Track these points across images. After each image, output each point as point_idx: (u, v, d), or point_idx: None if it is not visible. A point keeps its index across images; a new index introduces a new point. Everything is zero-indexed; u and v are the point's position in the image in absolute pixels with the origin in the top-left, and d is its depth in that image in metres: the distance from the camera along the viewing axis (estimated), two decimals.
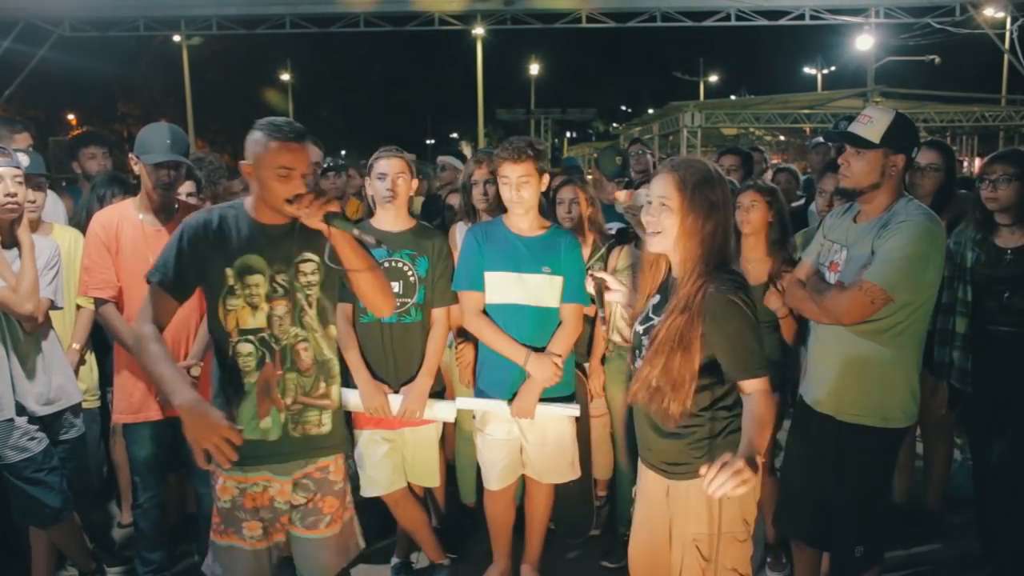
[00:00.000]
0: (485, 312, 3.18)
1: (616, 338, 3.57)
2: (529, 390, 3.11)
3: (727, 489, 1.86)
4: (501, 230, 3.20)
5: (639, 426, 2.44)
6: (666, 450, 2.33)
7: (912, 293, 2.56)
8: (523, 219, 3.17)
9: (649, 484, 2.43)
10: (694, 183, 2.19)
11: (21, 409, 3.00)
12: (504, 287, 3.14)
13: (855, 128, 2.65)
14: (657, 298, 2.37)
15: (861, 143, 2.62)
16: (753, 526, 2.34)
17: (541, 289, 3.13)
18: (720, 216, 2.21)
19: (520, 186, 3.07)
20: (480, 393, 3.27)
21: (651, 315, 2.34)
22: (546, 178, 3.17)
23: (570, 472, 3.31)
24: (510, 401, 3.14)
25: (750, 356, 2.17)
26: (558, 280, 3.14)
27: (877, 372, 2.64)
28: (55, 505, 3.07)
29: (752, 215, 3.38)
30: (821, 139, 5.79)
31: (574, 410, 3.20)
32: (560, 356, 3.12)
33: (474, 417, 3.35)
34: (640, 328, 2.37)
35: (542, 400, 3.13)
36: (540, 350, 3.12)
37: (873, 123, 2.62)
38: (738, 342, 2.16)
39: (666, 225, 2.23)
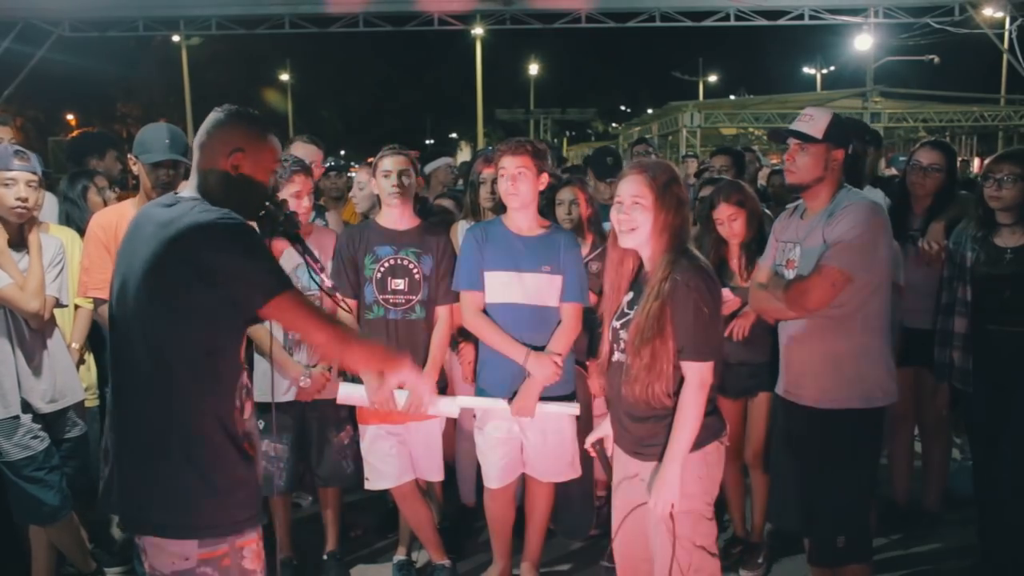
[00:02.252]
0: (485, 312, 3.18)
1: None
2: (529, 389, 3.12)
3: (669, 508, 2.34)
4: (500, 229, 3.20)
5: (614, 414, 2.56)
6: (640, 432, 2.46)
7: (868, 272, 2.66)
8: (521, 216, 3.17)
9: (626, 469, 2.55)
10: (664, 182, 2.38)
11: (26, 406, 3.02)
12: (504, 286, 3.15)
13: (798, 126, 2.80)
14: (631, 294, 2.49)
15: (806, 139, 2.75)
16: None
17: (541, 288, 3.14)
18: (685, 211, 2.42)
19: (516, 178, 3.08)
20: (480, 392, 3.28)
21: (627, 310, 2.47)
22: (544, 178, 3.18)
23: (570, 471, 3.31)
24: (510, 400, 3.14)
25: (692, 335, 2.33)
26: (557, 279, 3.15)
27: (851, 358, 2.73)
28: (53, 504, 3.07)
29: (736, 227, 3.40)
30: None
31: (574, 408, 3.20)
32: (560, 355, 3.13)
33: (474, 416, 3.36)
34: (617, 324, 2.49)
35: (542, 399, 3.14)
36: (540, 349, 3.13)
37: (815, 120, 2.78)
38: (687, 321, 2.32)
39: (640, 222, 2.39)
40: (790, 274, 2.83)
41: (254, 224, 2.04)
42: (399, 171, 3.20)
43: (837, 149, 2.76)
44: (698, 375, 2.35)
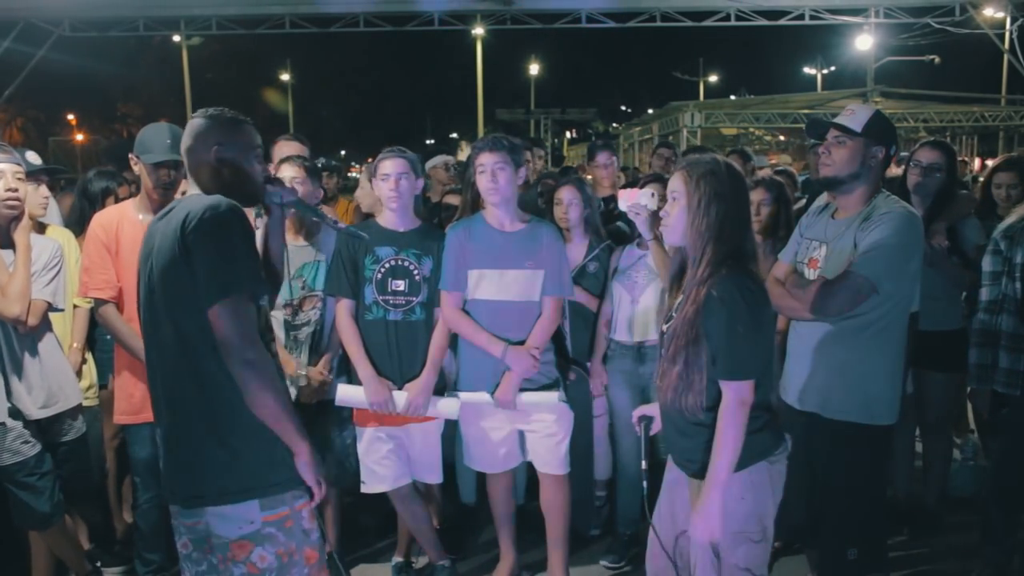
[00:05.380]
0: (467, 309, 3.20)
1: (619, 337, 3.57)
2: (508, 382, 3.15)
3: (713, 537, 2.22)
4: (482, 227, 3.21)
5: (664, 422, 2.45)
6: (684, 447, 2.36)
7: (896, 285, 2.58)
8: (502, 212, 3.18)
9: (673, 475, 2.46)
10: (698, 174, 2.25)
11: (16, 412, 2.96)
12: (488, 284, 3.17)
13: (838, 119, 2.72)
14: (681, 297, 2.36)
15: (844, 130, 2.67)
16: (772, 528, 2.33)
17: (523, 284, 3.16)
18: (726, 206, 2.22)
19: (496, 173, 3.09)
20: (456, 386, 3.33)
21: (673, 313, 2.36)
22: (521, 172, 3.17)
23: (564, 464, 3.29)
24: (493, 393, 3.18)
25: (726, 353, 2.19)
26: (540, 274, 3.16)
27: (860, 369, 2.64)
28: (43, 511, 3.02)
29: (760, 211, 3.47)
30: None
31: (555, 397, 3.23)
32: (537, 348, 3.15)
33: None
34: (665, 327, 2.39)
35: (523, 391, 3.17)
36: (523, 343, 3.16)
37: (856, 115, 2.70)
38: (720, 338, 2.19)
39: (673, 216, 2.29)
40: (810, 273, 2.75)
41: (251, 211, 2.27)
42: (398, 175, 3.20)
43: (877, 146, 2.66)
44: (733, 394, 2.19)
